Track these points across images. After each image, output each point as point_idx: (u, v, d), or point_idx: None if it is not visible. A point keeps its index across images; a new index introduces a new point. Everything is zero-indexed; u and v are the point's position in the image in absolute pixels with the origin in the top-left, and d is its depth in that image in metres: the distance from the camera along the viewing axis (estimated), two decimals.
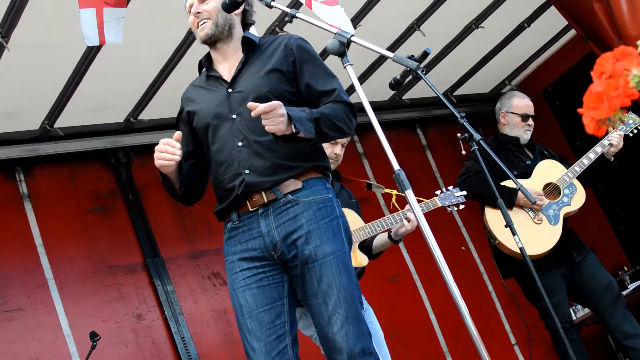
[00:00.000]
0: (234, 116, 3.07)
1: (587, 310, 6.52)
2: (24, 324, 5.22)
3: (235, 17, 3.22)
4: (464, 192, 4.74)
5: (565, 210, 5.04)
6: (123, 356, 5.46)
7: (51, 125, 5.55)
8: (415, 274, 6.93)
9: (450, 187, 4.81)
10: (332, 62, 3.14)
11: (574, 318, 6.69)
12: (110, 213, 5.90)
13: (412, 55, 2.89)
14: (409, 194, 2.58)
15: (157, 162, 3.00)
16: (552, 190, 5.10)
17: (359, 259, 4.37)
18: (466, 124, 3.25)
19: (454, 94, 7.56)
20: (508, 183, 5.03)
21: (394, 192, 4.59)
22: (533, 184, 5.06)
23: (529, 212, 5.01)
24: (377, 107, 7.02)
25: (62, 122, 5.56)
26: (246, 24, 3.29)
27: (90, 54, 4.90)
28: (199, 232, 6.08)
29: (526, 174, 5.12)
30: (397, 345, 6.52)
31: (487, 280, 7.31)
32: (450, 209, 4.76)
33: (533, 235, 4.93)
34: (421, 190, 6.06)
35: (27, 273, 5.39)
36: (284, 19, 5.18)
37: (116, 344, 5.44)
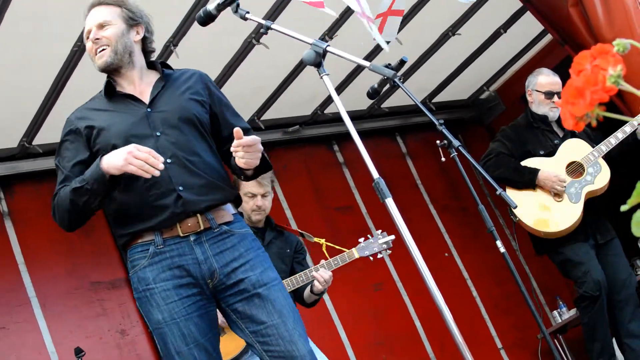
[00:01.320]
0: (158, 133, 2.99)
1: (572, 312, 6.54)
2: (7, 343, 5.18)
3: (135, 44, 3.13)
4: (391, 237, 4.57)
5: (587, 188, 5.04)
6: None
7: (30, 142, 5.51)
8: (399, 282, 6.92)
9: (378, 232, 4.61)
10: (310, 73, 3.14)
11: (561, 319, 6.72)
12: (91, 229, 5.86)
13: (389, 64, 2.90)
14: (389, 202, 2.57)
15: (132, 169, 2.77)
16: (575, 168, 5.11)
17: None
18: (445, 131, 3.27)
19: (433, 101, 7.58)
20: (529, 161, 5.12)
21: (322, 241, 4.58)
22: (556, 163, 5.11)
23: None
24: (356, 116, 7.03)
25: (40, 138, 5.53)
26: (146, 51, 3.20)
27: (67, 70, 4.88)
28: None
29: (552, 153, 5.16)
30: (384, 353, 6.51)
31: (472, 286, 7.31)
32: (373, 259, 4.56)
33: (553, 213, 5.01)
34: (402, 198, 6.07)
35: (9, 291, 5.35)
36: (259, 31, 5.19)
37: None
